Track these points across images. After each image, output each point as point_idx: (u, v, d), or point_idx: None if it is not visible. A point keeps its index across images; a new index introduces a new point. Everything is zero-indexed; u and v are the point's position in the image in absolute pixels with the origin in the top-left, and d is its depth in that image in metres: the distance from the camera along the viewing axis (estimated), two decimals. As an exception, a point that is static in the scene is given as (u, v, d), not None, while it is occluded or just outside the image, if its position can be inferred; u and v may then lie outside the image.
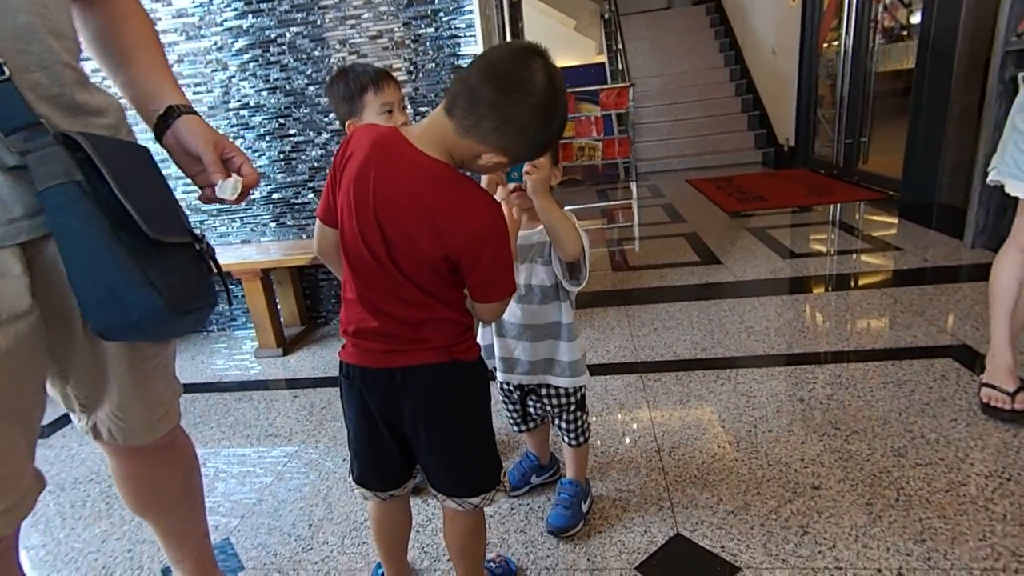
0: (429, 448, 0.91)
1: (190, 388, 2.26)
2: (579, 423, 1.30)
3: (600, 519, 1.33)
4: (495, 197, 0.93)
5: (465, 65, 2.30)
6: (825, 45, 5.39)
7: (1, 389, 0.69)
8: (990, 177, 1.46)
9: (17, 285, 0.69)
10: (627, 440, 1.62)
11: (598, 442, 1.63)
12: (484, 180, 1.03)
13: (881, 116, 4.66)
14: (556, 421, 1.32)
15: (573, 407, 1.28)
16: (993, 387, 1.51)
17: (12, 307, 0.68)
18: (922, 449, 1.42)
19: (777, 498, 1.32)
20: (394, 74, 1.33)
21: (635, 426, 1.68)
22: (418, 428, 0.89)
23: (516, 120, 0.74)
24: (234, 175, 0.81)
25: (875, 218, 3.80)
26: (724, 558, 1.17)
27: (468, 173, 0.83)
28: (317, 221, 0.91)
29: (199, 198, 0.84)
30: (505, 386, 1.30)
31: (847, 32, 4.78)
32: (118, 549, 1.42)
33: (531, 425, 1.37)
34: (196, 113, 0.83)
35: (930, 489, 1.29)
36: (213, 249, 0.85)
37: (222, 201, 0.80)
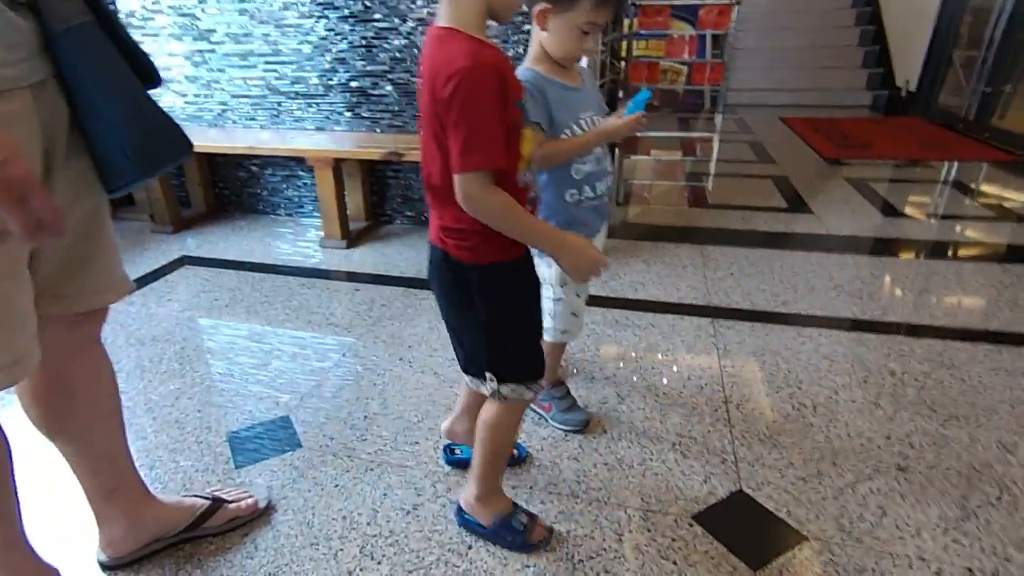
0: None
1: (259, 268, 2.30)
2: None
3: (657, 461, 1.28)
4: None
5: None
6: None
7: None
8: None
9: (33, 126, 0.66)
10: (692, 385, 1.54)
11: (664, 380, 1.56)
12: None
13: (1034, 66, 4.00)
14: None
15: None
16: None
17: (31, 151, 0.66)
18: (1032, 447, 1.28)
19: (855, 472, 1.22)
20: None
21: (702, 372, 1.59)
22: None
23: None
24: None
25: (1001, 183, 3.35)
26: (790, 524, 1.10)
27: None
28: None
29: None
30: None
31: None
32: (189, 407, 1.49)
33: None
34: None
35: (1038, 492, 1.16)
36: None
37: None
